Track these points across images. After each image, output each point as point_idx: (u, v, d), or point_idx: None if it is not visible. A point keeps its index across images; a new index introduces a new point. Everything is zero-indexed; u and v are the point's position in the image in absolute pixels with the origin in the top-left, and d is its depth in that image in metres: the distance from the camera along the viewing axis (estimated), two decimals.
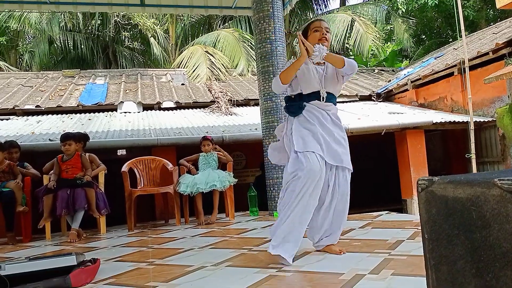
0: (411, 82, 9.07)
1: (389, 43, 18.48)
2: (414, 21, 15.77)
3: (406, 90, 9.34)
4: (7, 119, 7.61)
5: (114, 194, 5.07)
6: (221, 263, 2.41)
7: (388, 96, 10.06)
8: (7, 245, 4.07)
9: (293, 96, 2.49)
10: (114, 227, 5.06)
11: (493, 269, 0.84)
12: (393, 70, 13.11)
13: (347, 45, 15.87)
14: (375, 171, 8.87)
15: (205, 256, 2.67)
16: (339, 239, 2.52)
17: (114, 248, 3.36)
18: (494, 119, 7.14)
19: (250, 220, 4.54)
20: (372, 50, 17.17)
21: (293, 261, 2.24)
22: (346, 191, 2.41)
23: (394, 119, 7.05)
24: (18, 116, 7.89)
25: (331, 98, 2.45)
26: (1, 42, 14.73)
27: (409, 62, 14.58)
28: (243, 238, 3.35)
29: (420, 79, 8.77)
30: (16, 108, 7.89)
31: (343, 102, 9.51)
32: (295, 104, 2.43)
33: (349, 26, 12.86)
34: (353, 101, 9.70)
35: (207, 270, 2.27)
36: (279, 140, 2.60)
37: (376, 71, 13.15)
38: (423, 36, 17.23)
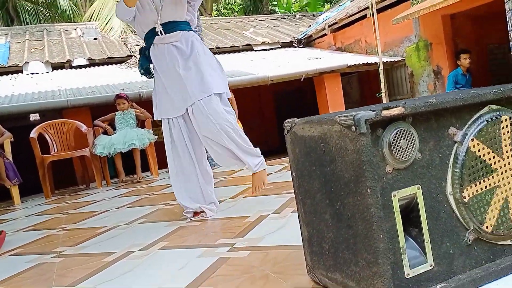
0: (329, 26, 9.24)
1: None
2: None
3: (325, 34, 9.52)
4: None
5: (30, 162, 4.76)
6: (135, 220, 2.41)
7: (308, 42, 10.21)
8: None
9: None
10: (31, 196, 4.82)
11: (340, 198, 0.92)
12: (313, 15, 13.23)
13: None
14: (297, 117, 9.16)
15: (120, 216, 2.65)
16: None
17: (27, 218, 3.22)
18: (404, 58, 7.58)
19: None
20: None
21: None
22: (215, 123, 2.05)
23: (312, 65, 7.22)
24: None
25: (174, 26, 2.14)
26: None
27: (330, 6, 14.75)
28: (163, 194, 3.35)
29: (336, 23, 8.96)
30: None
31: (264, 50, 9.52)
32: (142, 58, 2.22)
33: None
34: (275, 48, 9.73)
35: (119, 229, 2.26)
36: None
37: (298, 16, 13.18)
38: None
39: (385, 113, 0.84)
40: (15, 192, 4.24)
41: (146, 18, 2.16)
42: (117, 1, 2.16)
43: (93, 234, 2.23)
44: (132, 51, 8.44)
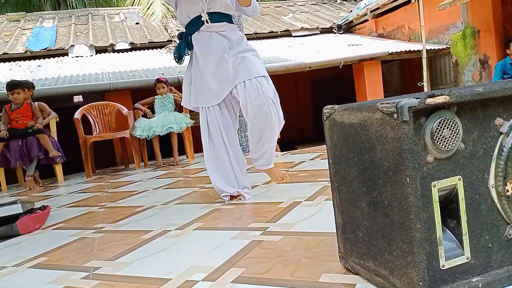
0: (371, 12, 8.96)
1: None
2: None
3: (366, 20, 9.25)
4: None
5: (73, 142, 4.98)
6: (171, 201, 2.48)
7: (349, 28, 9.96)
8: None
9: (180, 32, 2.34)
10: (73, 175, 5.05)
11: (377, 186, 0.91)
12: (355, 0, 12.87)
13: None
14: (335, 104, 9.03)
15: (157, 197, 2.73)
16: (290, 170, 2.60)
17: (69, 195, 3.38)
18: (448, 46, 7.26)
19: None
20: None
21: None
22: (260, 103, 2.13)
23: (352, 51, 7.05)
24: None
25: (220, 17, 2.19)
26: None
27: None
28: (198, 177, 3.42)
29: (379, 8, 8.67)
30: None
31: (303, 36, 9.38)
32: (182, 43, 2.27)
33: None
34: (314, 34, 9.56)
35: (156, 209, 2.33)
36: None
37: (339, 1, 12.86)
38: None
39: (430, 101, 0.81)
40: (59, 170, 4.45)
41: (192, 5, 2.18)
42: None
43: (132, 212, 2.32)
44: (172, 36, 8.55)
